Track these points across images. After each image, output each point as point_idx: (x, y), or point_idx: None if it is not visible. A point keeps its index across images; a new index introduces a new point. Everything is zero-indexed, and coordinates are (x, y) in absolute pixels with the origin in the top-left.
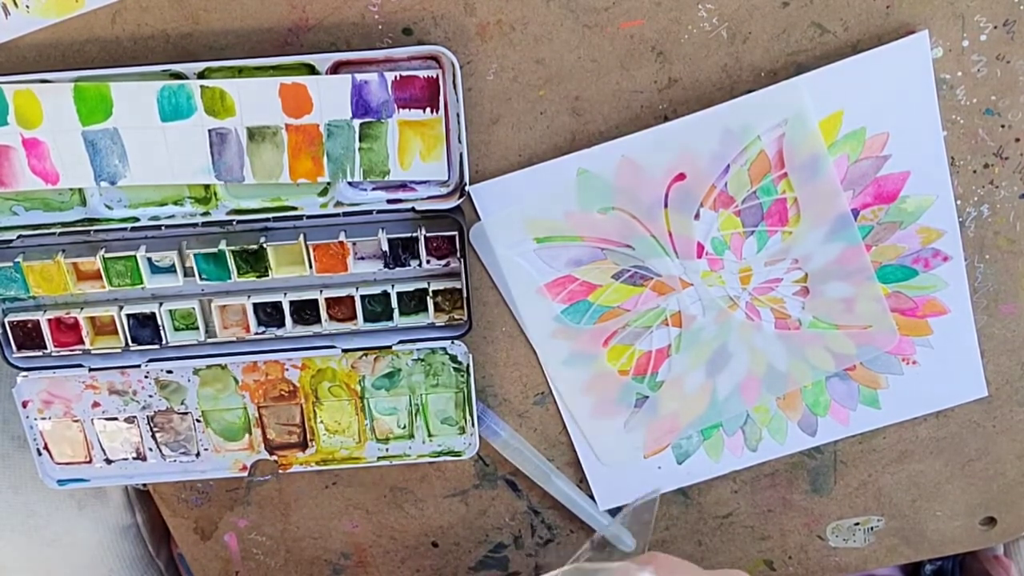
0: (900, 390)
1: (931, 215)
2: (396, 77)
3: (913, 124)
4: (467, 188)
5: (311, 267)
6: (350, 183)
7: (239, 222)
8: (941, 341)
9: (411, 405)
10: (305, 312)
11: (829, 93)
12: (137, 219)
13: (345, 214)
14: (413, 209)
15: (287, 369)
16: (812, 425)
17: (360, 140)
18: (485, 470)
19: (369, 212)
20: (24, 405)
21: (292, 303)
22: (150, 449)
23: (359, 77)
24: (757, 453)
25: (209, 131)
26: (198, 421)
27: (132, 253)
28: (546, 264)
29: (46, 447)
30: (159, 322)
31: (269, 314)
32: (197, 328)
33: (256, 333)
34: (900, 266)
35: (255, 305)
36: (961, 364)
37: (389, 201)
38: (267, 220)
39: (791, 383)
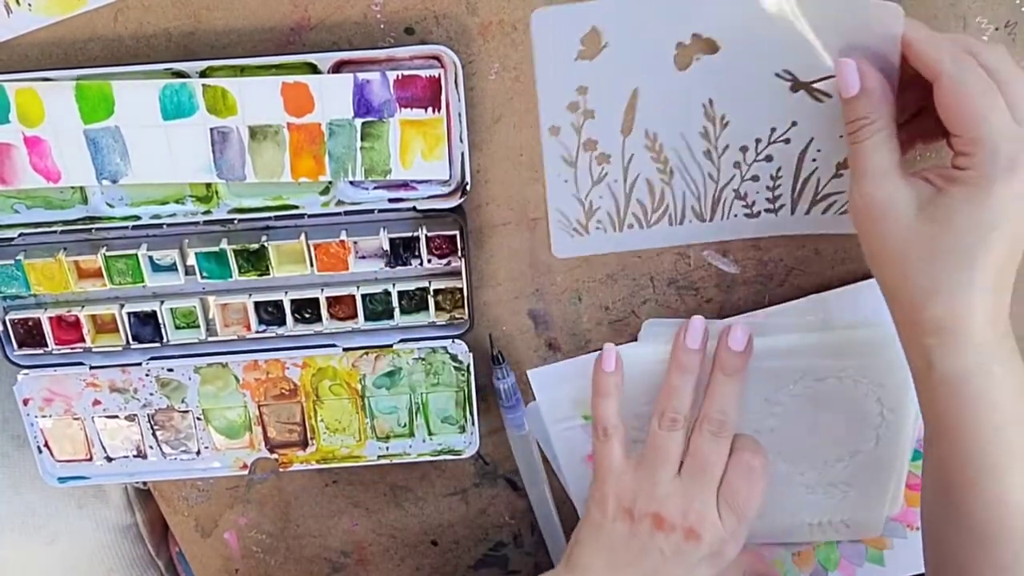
0: (904, 551)
1: None
2: (398, 76)
3: None
4: (468, 188)
5: (312, 266)
6: (351, 182)
7: (240, 221)
8: None
9: (411, 404)
10: (306, 311)
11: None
12: (138, 217)
13: (346, 213)
14: (414, 208)
15: (288, 368)
16: None
17: (362, 139)
18: (485, 469)
19: (370, 211)
20: (25, 403)
21: (293, 302)
22: (151, 447)
23: (361, 76)
24: None
25: (211, 130)
26: (199, 419)
27: (133, 251)
28: (591, 437)
29: (47, 445)
30: (160, 320)
31: (270, 313)
32: (198, 326)
33: (257, 332)
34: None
35: (256, 304)
36: None
37: (390, 200)
38: (268, 219)
39: (805, 542)
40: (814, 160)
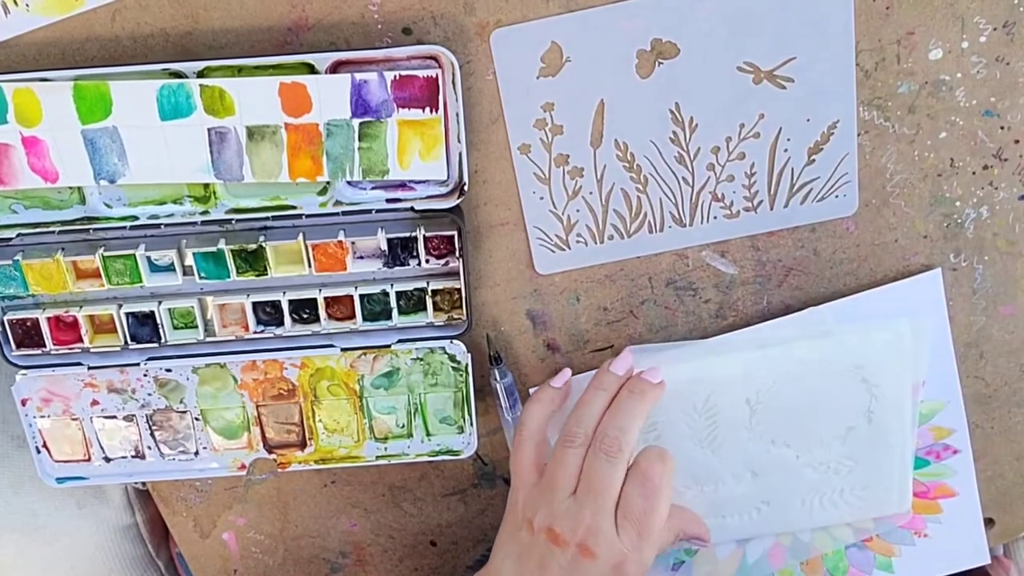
0: (912, 558)
1: (942, 417)
2: (395, 77)
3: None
4: (466, 188)
5: (310, 266)
6: (349, 182)
7: (238, 221)
8: (949, 518)
9: (410, 404)
10: (304, 311)
11: None
12: (136, 218)
13: (344, 213)
14: (412, 208)
15: (286, 368)
16: None
17: (359, 139)
18: (484, 469)
19: (368, 211)
20: (23, 403)
21: (291, 302)
22: (149, 447)
23: (358, 76)
24: None
25: (208, 130)
26: (197, 420)
27: (131, 252)
28: None
29: (45, 445)
30: (158, 321)
31: (268, 313)
32: (196, 327)
33: (255, 332)
34: (916, 457)
35: (254, 304)
36: (967, 536)
37: (388, 200)
38: (266, 219)
39: (813, 550)
40: (786, 151)
